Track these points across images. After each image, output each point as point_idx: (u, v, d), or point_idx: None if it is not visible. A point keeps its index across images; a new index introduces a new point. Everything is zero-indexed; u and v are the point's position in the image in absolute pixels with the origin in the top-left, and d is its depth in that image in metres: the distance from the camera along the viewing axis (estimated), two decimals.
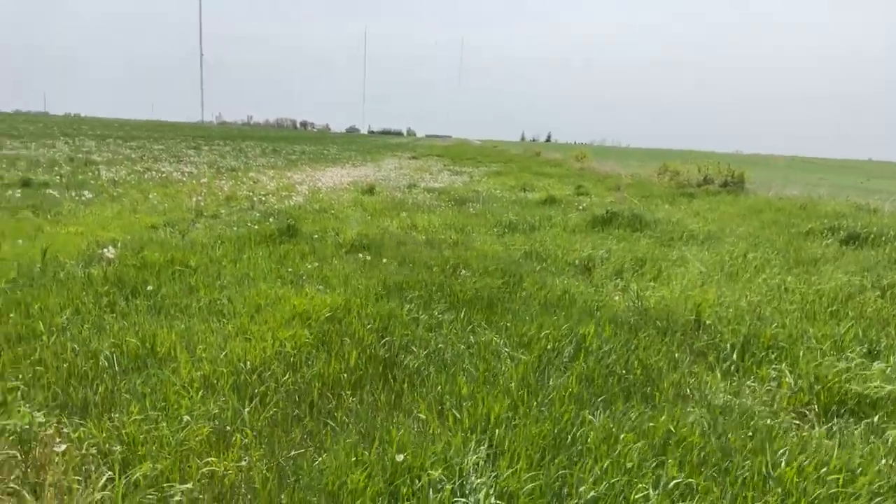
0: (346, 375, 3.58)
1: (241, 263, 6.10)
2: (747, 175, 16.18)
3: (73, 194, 10.53)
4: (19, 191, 10.33)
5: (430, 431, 2.97)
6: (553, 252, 7.39)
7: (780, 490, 2.61)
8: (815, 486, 2.57)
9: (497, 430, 2.91)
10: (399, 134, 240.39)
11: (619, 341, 4.22)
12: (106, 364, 3.45)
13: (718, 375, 3.78)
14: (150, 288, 4.81)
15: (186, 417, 2.88)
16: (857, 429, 3.18)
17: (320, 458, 2.73)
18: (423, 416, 3.14)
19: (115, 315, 4.26)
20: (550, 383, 3.52)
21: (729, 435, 2.98)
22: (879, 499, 2.58)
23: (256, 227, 8.34)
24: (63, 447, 2.49)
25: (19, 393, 3.05)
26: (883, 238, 7.96)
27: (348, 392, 3.44)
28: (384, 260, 6.52)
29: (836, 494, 2.56)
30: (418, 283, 5.50)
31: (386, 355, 3.88)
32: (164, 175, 15.29)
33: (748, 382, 3.70)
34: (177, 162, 20.10)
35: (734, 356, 4.03)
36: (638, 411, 3.25)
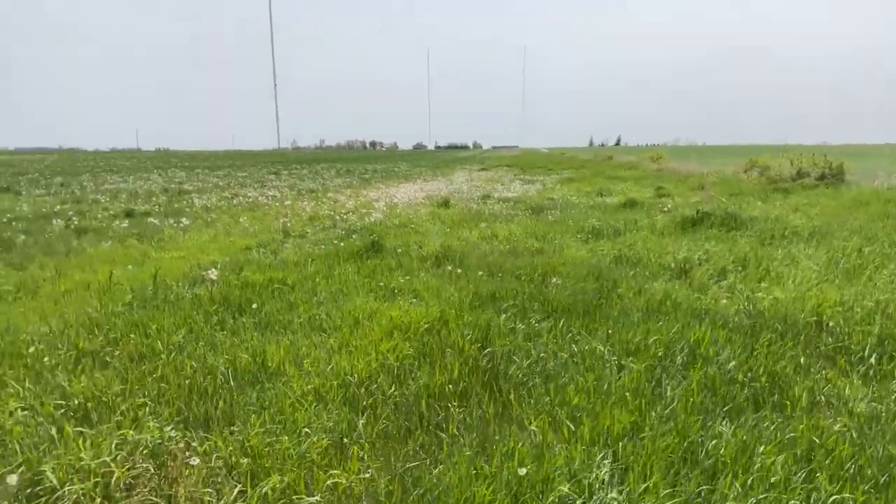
0: (450, 387, 3.53)
1: (332, 279, 6.23)
2: (846, 166, 15.03)
3: (172, 221, 11.21)
4: (126, 221, 11.09)
5: (547, 444, 2.86)
6: (644, 256, 7.09)
7: None
8: None
9: (620, 444, 2.76)
10: (465, 147, 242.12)
11: (737, 346, 3.94)
12: (222, 380, 3.57)
13: (856, 380, 3.44)
14: (254, 306, 4.99)
15: (306, 430, 2.91)
16: None
17: (436, 471, 2.68)
18: (536, 429, 3.03)
19: (225, 332, 4.43)
20: (669, 393, 3.32)
21: (884, 445, 2.68)
22: None
23: (342, 243, 8.53)
24: (196, 461, 2.57)
25: (147, 409, 3.20)
26: None
27: (454, 403, 3.39)
28: (475, 271, 6.47)
29: None
30: (510, 292, 5.41)
31: (489, 366, 3.80)
32: (250, 200, 16.04)
33: (892, 387, 3.34)
34: (261, 187, 21.08)
35: (871, 360, 3.66)
36: (770, 421, 3.00)
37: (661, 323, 4.41)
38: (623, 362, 3.80)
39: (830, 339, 4.14)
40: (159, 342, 4.12)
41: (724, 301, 5.12)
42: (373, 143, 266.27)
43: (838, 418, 3.02)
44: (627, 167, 31.59)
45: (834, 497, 2.31)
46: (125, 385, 3.45)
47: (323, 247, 8.53)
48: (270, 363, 3.81)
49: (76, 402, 3.21)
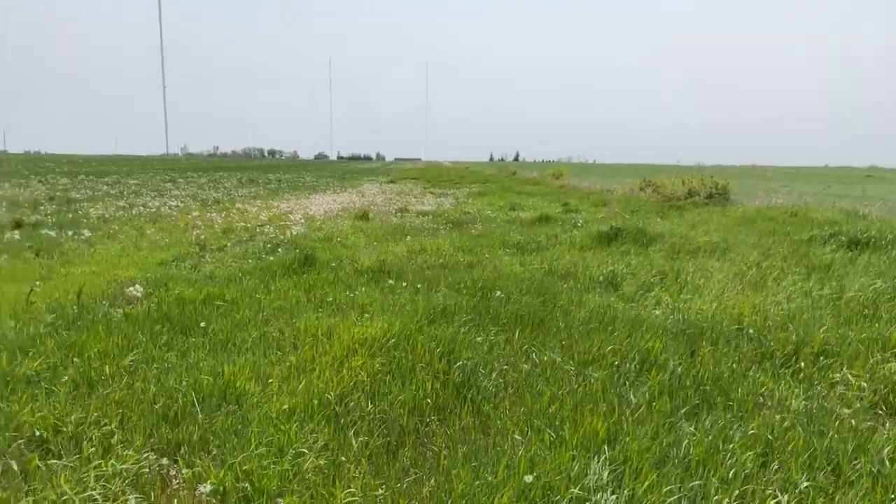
0: (428, 401, 3.59)
1: (272, 295, 6.06)
2: (731, 186, 16.71)
3: (71, 233, 10.30)
4: (16, 233, 10.05)
5: (536, 453, 3.00)
6: (573, 270, 7.50)
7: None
8: None
9: (605, 447, 2.96)
10: (369, 159, 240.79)
11: (681, 354, 4.32)
12: (188, 403, 3.39)
13: (790, 381, 3.90)
14: (203, 325, 4.75)
15: (302, 449, 2.86)
16: None
17: (432, 482, 2.74)
18: (519, 438, 3.17)
19: (174, 353, 4.19)
20: (633, 398, 3.59)
21: (829, 438, 3.08)
22: None
23: (272, 258, 8.28)
24: (207, 487, 2.45)
25: (117, 437, 2.98)
26: (883, 242, 8.31)
27: (434, 417, 3.46)
28: (416, 285, 6.54)
29: None
30: (460, 306, 5.54)
31: (460, 379, 3.90)
32: (152, 210, 15.07)
33: (817, 387, 3.83)
34: (159, 196, 19.83)
35: (799, 363, 4.15)
36: (724, 421, 3.33)
37: (614, 333, 4.73)
38: (584, 372, 4.04)
39: (752, 345, 4.64)
40: (107, 366, 3.83)
41: (657, 312, 5.57)
42: (272, 152, 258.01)
43: (782, 416, 3.41)
44: (532, 183, 32.96)
45: (806, 483, 2.63)
46: (84, 414, 3.19)
47: (250, 261, 8.24)
48: (239, 384, 3.67)
49: (34, 433, 2.93)
